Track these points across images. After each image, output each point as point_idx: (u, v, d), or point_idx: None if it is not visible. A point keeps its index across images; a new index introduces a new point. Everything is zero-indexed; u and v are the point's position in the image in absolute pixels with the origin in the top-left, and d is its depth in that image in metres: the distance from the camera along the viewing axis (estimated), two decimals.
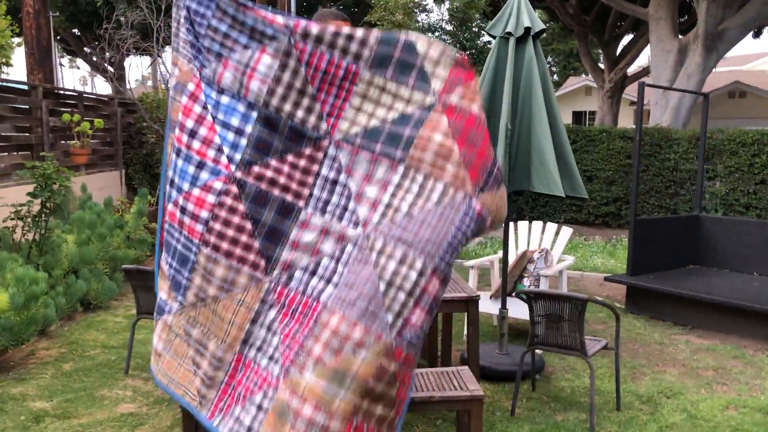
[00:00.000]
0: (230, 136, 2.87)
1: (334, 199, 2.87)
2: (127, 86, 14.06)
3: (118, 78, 12.41)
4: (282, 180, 2.86)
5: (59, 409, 4.25)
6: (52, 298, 5.65)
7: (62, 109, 9.37)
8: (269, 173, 2.86)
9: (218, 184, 2.83)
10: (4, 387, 4.62)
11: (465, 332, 5.72)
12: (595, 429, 4.01)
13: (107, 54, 11.61)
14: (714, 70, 32.29)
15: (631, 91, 26.60)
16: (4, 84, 8.20)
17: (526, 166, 4.43)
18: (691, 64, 13.08)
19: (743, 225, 6.93)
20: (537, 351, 5.03)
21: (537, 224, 6.12)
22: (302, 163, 2.88)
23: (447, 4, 14.05)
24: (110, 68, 12.77)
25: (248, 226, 2.83)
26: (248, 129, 2.88)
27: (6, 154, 8.22)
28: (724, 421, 4.14)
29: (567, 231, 5.95)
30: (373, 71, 2.86)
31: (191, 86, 2.88)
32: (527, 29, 4.35)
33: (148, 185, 11.03)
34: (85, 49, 27.54)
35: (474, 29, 14.28)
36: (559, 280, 5.85)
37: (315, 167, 2.89)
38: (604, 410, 4.30)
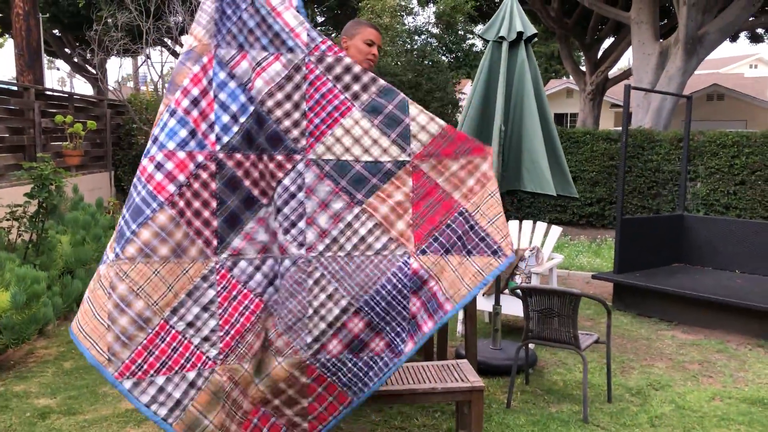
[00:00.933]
0: (225, 118, 3.03)
1: (286, 211, 3.10)
2: (109, 87, 14.03)
3: (101, 79, 12.39)
4: (255, 174, 3.06)
5: (64, 406, 4.32)
6: (49, 298, 5.70)
7: (53, 110, 9.39)
8: (247, 164, 3.04)
9: (200, 157, 2.95)
10: (7, 385, 4.68)
11: (458, 329, 5.86)
12: (589, 420, 4.15)
13: (89, 56, 11.61)
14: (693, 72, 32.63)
15: (611, 94, 26.96)
16: None
17: (518, 166, 4.58)
18: (672, 68, 13.35)
19: (726, 224, 7.14)
20: (530, 346, 5.18)
21: (527, 223, 6.27)
22: (271, 166, 3.10)
23: (433, 8, 14.20)
24: (93, 69, 12.76)
25: (213, 204, 2.98)
26: (242, 119, 3.06)
27: None
28: (710, 411, 4.31)
29: (556, 230, 6.11)
30: (363, 113, 3.13)
31: (205, 59, 3.01)
32: (519, 33, 4.50)
33: None
34: (65, 50, 27.38)
35: (460, 32, 14.45)
36: (549, 278, 6.00)
37: (280, 174, 3.10)
38: (596, 402, 4.45)
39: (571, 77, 24.99)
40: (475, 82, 4.67)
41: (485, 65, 4.65)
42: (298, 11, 3.15)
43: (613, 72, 24.58)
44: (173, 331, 2.87)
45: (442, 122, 3.18)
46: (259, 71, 3.09)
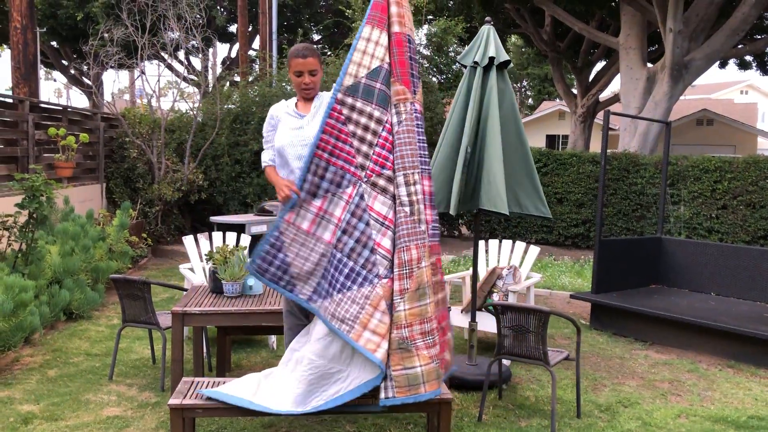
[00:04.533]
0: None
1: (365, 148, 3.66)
2: (107, 99, 14.19)
3: (95, 92, 12.55)
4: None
5: (47, 412, 4.43)
6: (36, 307, 5.81)
7: (47, 122, 9.54)
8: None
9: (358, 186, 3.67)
10: None
11: None
12: None
13: (86, 68, 11.79)
14: (683, 97, 33.09)
15: (600, 117, 27.26)
16: None
17: (478, 185, 4.74)
18: (659, 93, 13.60)
19: (702, 247, 7.31)
20: (504, 362, 5.32)
21: (506, 242, 6.43)
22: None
23: (425, 29, 14.46)
24: (89, 82, 12.93)
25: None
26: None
27: None
28: (675, 428, 4.45)
29: (534, 250, 6.27)
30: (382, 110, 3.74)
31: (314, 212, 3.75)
32: (491, 59, 4.69)
33: (129, 199, 11.19)
34: (63, 62, 27.59)
35: (450, 54, 14.70)
36: (527, 296, 6.15)
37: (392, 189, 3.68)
38: (565, 417, 4.58)
39: (563, 99, 25.28)
40: (453, 104, 4.85)
41: (462, 89, 4.82)
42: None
43: (605, 95, 24.90)
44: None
45: (376, 33, 3.60)
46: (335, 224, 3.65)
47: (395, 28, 3.58)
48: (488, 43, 4.69)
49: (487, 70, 4.78)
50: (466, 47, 5.62)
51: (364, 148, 3.56)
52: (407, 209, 3.47)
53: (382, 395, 3.43)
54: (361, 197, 3.53)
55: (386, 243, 3.48)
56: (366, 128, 3.56)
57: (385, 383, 3.44)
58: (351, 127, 3.56)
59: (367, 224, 3.50)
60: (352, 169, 3.56)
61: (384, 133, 3.55)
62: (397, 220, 3.47)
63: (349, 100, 3.56)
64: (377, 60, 3.56)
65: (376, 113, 3.54)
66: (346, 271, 3.48)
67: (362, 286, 3.44)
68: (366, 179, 3.55)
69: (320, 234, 3.58)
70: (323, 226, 3.58)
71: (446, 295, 3.82)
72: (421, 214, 3.48)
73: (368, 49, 3.57)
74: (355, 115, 3.56)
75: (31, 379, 5.06)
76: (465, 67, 4.89)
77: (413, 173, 3.50)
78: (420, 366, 3.40)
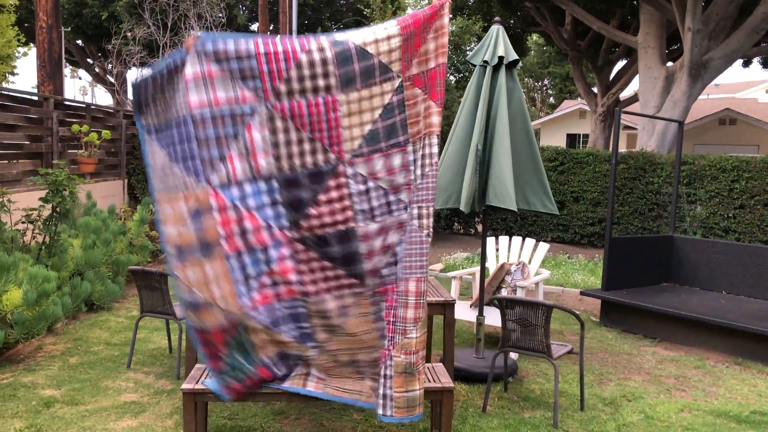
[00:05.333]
0: (269, 211, 3.37)
1: (375, 203, 3.42)
2: (127, 98, 14.46)
3: (120, 90, 12.82)
4: (327, 219, 3.38)
5: (67, 397, 4.62)
6: (58, 298, 6.02)
7: (71, 119, 9.79)
8: (315, 221, 3.38)
9: (286, 251, 3.36)
10: (16, 376, 4.98)
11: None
12: (559, 425, 4.38)
13: (109, 66, 12.04)
14: (707, 96, 32.72)
15: (623, 116, 27.12)
16: (19, 95, 8.61)
17: (487, 182, 4.84)
18: (677, 92, 13.56)
19: (713, 246, 7.34)
20: (512, 356, 5.42)
21: (516, 239, 6.52)
22: (333, 194, 3.39)
23: None
24: (112, 80, 13.21)
25: (327, 264, 3.39)
26: (278, 197, 3.38)
27: (18, 161, 8.61)
28: (677, 422, 4.52)
29: (544, 246, 6.35)
30: (345, 91, 3.35)
31: (213, 201, 3.32)
32: (501, 58, 4.79)
33: (150, 195, 11.42)
34: (88, 60, 28.05)
35: (468, 52, 14.78)
36: (535, 292, 6.24)
37: (345, 191, 3.41)
38: (569, 410, 4.68)
39: (583, 98, 25.20)
40: (462, 103, 4.96)
41: (472, 87, 4.93)
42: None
43: (625, 94, 24.79)
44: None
45: (394, 28, 3.37)
46: (252, 154, 3.37)
47: (441, 60, 3.49)
48: (497, 42, 4.79)
49: (496, 69, 4.89)
50: (476, 46, 5.71)
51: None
52: (428, 242, 3.44)
53: (380, 411, 3.49)
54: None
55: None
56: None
57: (384, 401, 3.49)
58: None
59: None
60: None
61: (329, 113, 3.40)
62: (420, 251, 3.47)
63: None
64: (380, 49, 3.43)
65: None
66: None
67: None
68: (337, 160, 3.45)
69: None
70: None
71: None
72: (428, 247, 3.50)
73: (378, 34, 3.42)
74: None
75: (53, 366, 5.25)
76: (474, 66, 5.00)
77: (433, 207, 3.50)
78: (418, 389, 3.49)
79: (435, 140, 3.43)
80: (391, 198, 3.42)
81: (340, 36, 3.36)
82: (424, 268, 3.44)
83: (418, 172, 3.44)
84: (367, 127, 3.39)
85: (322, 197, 3.36)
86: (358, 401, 3.55)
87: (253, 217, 3.33)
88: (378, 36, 3.36)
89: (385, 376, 3.49)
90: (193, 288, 3.39)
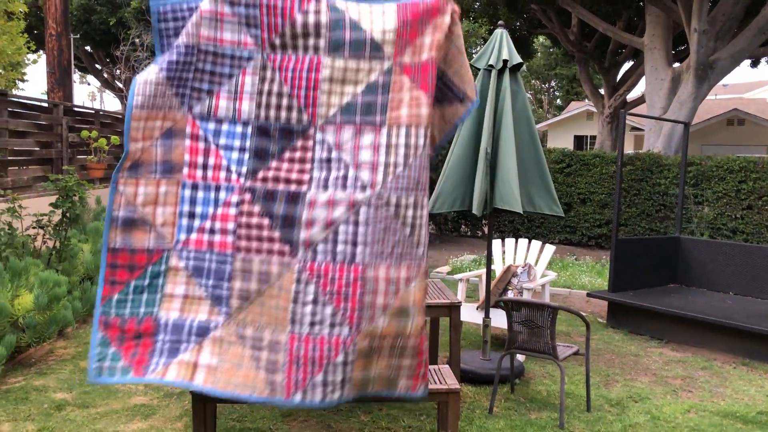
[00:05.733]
0: (234, 155, 3.44)
1: (333, 174, 3.42)
2: None
3: (126, 96, 12.93)
4: (283, 175, 3.41)
5: (78, 400, 4.68)
6: (69, 302, 6.09)
7: (80, 125, 9.88)
8: (271, 173, 3.41)
9: (235, 198, 3.38)
10: (27, 380, 5.05)
11: None
12: (565, 426, 4.41)
13: (118, 72, 12.16)
14: (714, 97, 32.56)
15: (630, 117, 27.07)
16: (29, 102, 8.71)
17: (493, 185, 4.88)
18: (684, 93, 13.56)
19: (721, 247, 7.34)
20: (519, 357, 5.45)
21: (522, 241, 6.55)
22: (297, 155, 3.44)
23: None
24: (120, 85, 13.32)
25: (266, 222, 3.37)
26: (247, 144, 3.45)
27: (28, 167, 8.71)
28: (683, 423, 4.54)
29: (550, 248, 6.38)
30: (332, 55, 3.42)
31: (189, 128, 3.41)
32: (505, 62, 4.83)
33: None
34: (96, 66, 28.25)
35: (474, 55, 14.82)
36: (542, 294, 6.26)
37: (309, 154, 3.46)
38: (575, 411, 4.70)
39: (590, 100, 25.19)
40: None
41: (476, 91, 4.97)
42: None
43: (632, 95, 24.76)
44: (303, 336, 3.27)
45: (391, 13, 3.43)
46: (239, 97, 3.47)
47: (434, 54, 3.45)
48: (501, 46, 4.83)
49: (501, 72, 4.92)
50: (480, 50, 5.75)
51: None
52: (408, 230, 3.37)
53: (338, 395, 3.31)
54: None
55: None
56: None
57: (342, 384, 3.32)
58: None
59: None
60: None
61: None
62: (395, 239, 3.38)
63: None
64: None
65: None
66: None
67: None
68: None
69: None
70: None
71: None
72: (421, 237, 3.40)
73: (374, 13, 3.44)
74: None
75: (64, 370, 5.31)
76: (478, 69, 5.04)
77: (424, 197, 3.42)
78: (375, 371, 3.36)
79: (422, 131, 3.38)
80: (351, 173, 3.39)
81: (340, 3, 3.44)
82: (399, 256, 3.35)
83: (399, 160, 3.38)
84: (347, 98, 3.44)
85: (287, 155, 3.42)
86: (252, 395, 3.30)
87: (218, 155, 3.40)
88: (374, 16, 3.44)
89: (345, 362, 3.30)
90: (136, 204, 3.37)
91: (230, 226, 3.37)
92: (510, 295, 5.94)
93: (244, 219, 3.36)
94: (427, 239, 3.48)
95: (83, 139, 9.54)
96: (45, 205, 7.80)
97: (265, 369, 3.29)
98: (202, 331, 3.37)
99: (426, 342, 3.58)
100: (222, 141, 3.41)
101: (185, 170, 3.38)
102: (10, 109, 8.11)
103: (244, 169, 3.40)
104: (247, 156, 3.41)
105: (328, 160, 3.42)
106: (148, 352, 3.35)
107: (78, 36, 23.97)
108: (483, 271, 6.47)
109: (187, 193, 3.39)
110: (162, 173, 3.39)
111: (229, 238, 3.36)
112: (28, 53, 23.42)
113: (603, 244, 12.35)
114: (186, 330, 3.38)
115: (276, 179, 3.39)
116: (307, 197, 3.37)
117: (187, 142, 3.39)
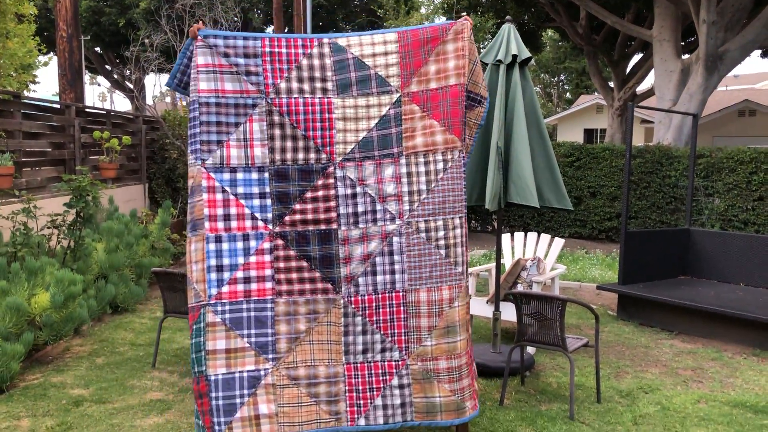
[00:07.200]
0: (256, 202, 3.54)
1: (360, 209, 3.59)
2: (149, 103, 14.69)
3: (139, 96, 13.03)
4: (310, 217, 3.55)
5: (95, 396, 4.76)
6: (84, 300, 6.18)
7: (92, 126, 9.99)
8: (298, 216, 3.54)
9: (267, 245, 3.49)
10: (45, 377, 5.14)
11: None
12: (575, 417, 4.45)
13: (128, 72, 12.25)
14: (726, 88, 32.35)
15: (639, 110, 26.96)
16: (42, 104, 8.81)
17: (507, 179, 4.92)
18: (693, 84, 13.51)
19: (731, 238, 7.34)
20: (529, 350, 5.49)
21: (531, 235, 6.58)
22: (320, 193, 3.56)
23: None
24: (131, 86, 13.44)
25: (304, 264, 3.52)
26: (267, 189, 3.55)
27: (42, 168, 8.82)
28: (693, 413, 4.56)
29: (559, 242, 6.40)
30: (341, 96, 3.59)
31: (204, 182, 3.49)
32: (514, 57, 4.86)
33: (170, 198, 11.61)
34: (106, 66, 28.43)
35: (482, 50, 14.83)
36: (552, 287, 6.29)
37: (331, 192, 3.59)
38: (585, 402, 4.74)
39: (599, 93, 25.11)
40: None
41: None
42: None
43: (642, 88, 24.66)
44: (358, 365, 3.52)
45: (392, 45, 3.58)
46: (250, 144, 3.57)
47: (452, 81, 3.58)
48: (510, 41, 4.86)
49: (510, 67, 4.95)
50: (487, 45, 5.79)
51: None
52: (443, 252, 3.54)
53: (400, 419, 3.56)
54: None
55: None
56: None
57: (403, 409, 3.57)
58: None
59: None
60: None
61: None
62: (431, 262, 3.55)
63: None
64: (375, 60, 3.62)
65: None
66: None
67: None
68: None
69: None
70: None
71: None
72: (458, 256, 3.56)
73: (376, 43, 3.62)
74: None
75: (81, 366, 5.40)
76: (486, 65, 5.07)
77: (453, 218, 3.55)
78: (438, 397, 3.56)
79: (440, 157, 3.56)
80: (378, 207, 3.56)
81: (342, 41, 3.58)
82: (438, 278, 3.54)
83: (422, 187, 3.56)
84: (362, 134, 3.59)
85: (308, 194, 3.52)
86: (318, 429, 3.50)
87: (239, 204, 3.49)
88: (376, 50, 3.59)
89: (401, 386, 3.54)
90: (186, 263, 3.53)
91: (267, 272, 3.46)
92: (520, 288, 5.97)
93: (281, 264, 3.47)
94: (466, 256, 3.60)
95: (95, 139, 9.63)
96: (59, 205, 7.91)
97: (326, 402, 3.48)
98: (253, 382, 3.46)
99: (472, 355, 3.73)
100: (240, 190, 3.50)
101: (206, 224, 3.45)
102: (23, 111, 8.21)
103: (269, 215, 3.51)
104: (269, 201, 3.51)
105: (354, 195, 3.56)
106: (208, 411, 3.43)
107: (88, 37, 24.14)
108: (493, 265, 6.51)
109: (212, 246, 3.45)
110: (191, 230, 3.48)
111: (268, 284, 3.46)
112: (38, 55, 23.62)
113: (613, 237, 12.35)
114: (237, 384, 3.44)
115: (304, 222, 3.52)
116: (339, 234, 3.54)
117: (205, 195, 3.46)
